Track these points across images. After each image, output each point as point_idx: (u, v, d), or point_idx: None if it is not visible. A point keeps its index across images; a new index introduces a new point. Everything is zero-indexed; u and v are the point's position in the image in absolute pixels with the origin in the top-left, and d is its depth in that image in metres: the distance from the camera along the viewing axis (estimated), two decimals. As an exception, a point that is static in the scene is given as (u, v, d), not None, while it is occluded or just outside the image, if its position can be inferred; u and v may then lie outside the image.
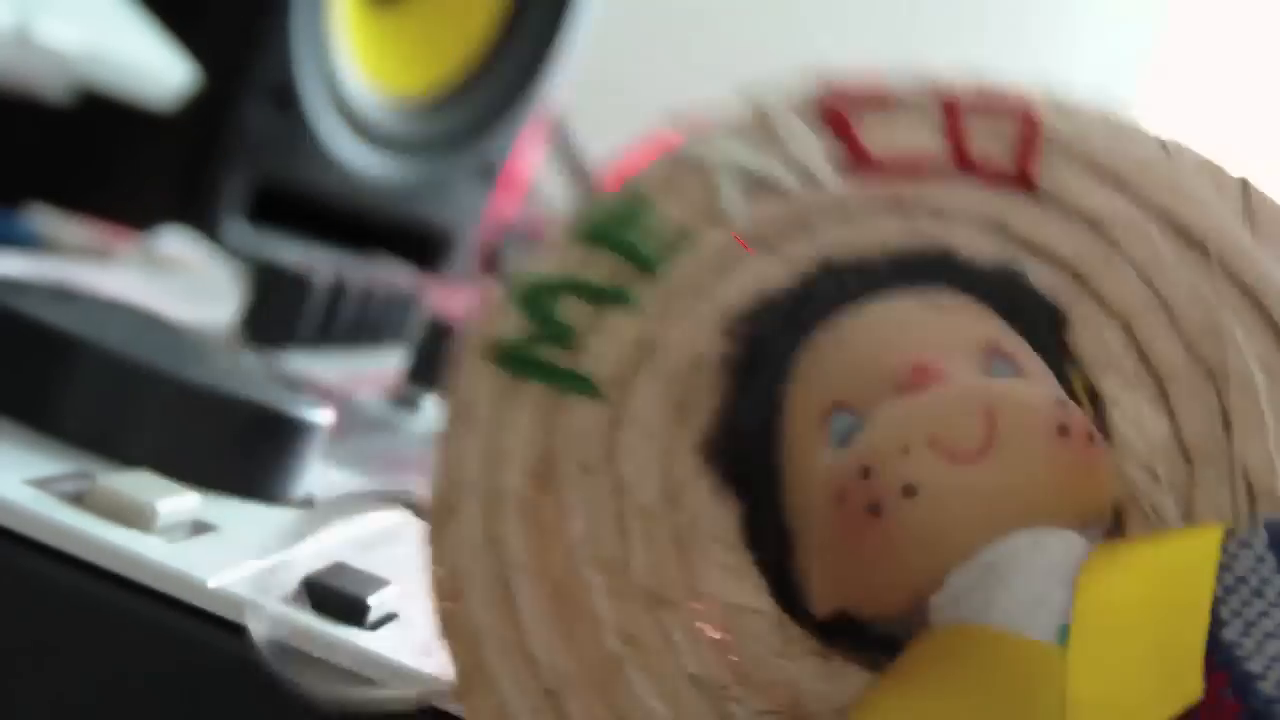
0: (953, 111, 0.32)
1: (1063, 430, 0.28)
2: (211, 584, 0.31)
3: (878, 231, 0.31)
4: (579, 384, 0.30)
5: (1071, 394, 0.30)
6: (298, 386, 0.44)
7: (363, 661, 0.31)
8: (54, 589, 0.31)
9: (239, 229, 0.77)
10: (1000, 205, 0.32)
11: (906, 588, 0.27)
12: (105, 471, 0.35)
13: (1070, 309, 0.31)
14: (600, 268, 0.31)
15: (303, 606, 0.32)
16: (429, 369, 0.60)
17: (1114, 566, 0.27)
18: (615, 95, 1.03)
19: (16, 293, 0.40)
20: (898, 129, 0.32)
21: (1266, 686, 0.25)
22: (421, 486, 0.30)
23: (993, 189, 0.32)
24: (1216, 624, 0.26)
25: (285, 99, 0.76)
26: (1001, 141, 0.32)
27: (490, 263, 0.97)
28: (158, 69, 0.69)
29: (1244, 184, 0.32)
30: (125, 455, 0.36)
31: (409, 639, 0.32)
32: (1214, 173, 0.32)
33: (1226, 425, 0.30)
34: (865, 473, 0.27)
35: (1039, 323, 0.31)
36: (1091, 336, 0.31)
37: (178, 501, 0.34)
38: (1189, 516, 0.30)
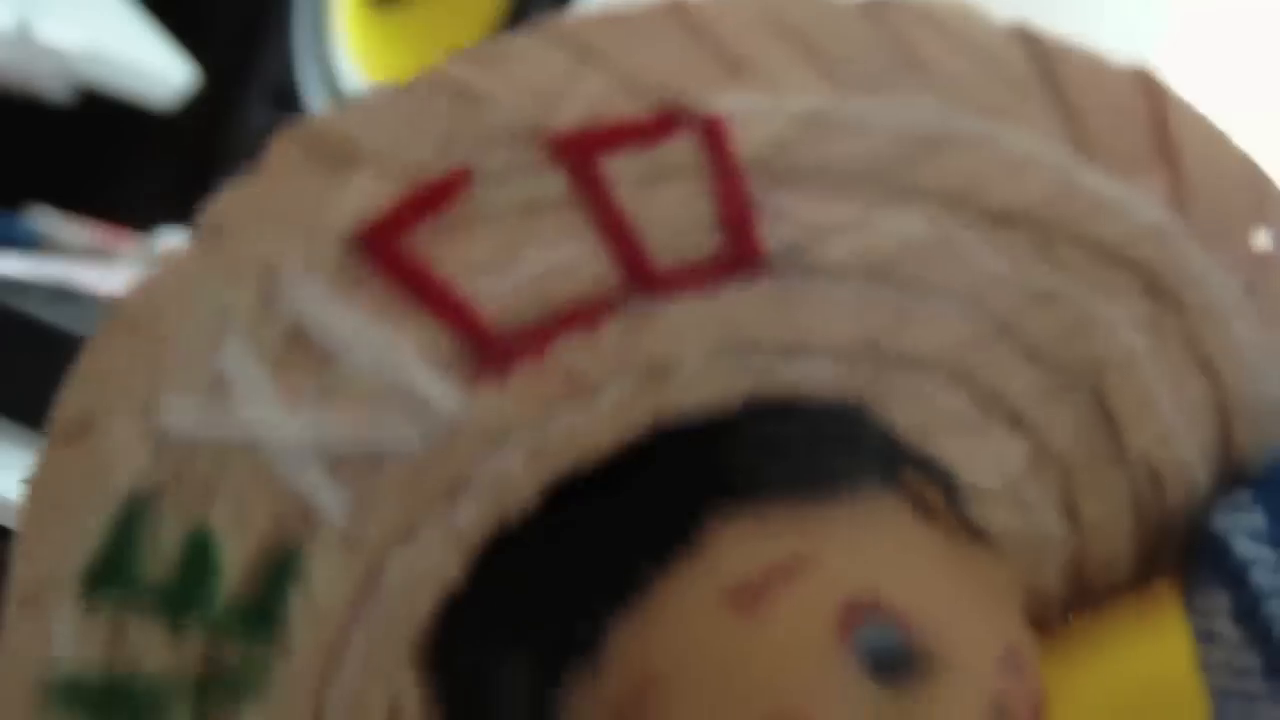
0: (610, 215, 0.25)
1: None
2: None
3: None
4: None
5: (922, 499, 0.27)
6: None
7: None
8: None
9: (239, 229, 0.77)
10: (728, 314, 0.25)
11: None
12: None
13: (867, 391, 0.26)
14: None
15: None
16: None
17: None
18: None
19: (16, 293, 0.40)
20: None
21: None
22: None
23: (702, 292, 0.25)
24: None
25: (286, 99, 0.76)
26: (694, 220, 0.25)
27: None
28: (158, 69, 0.69)
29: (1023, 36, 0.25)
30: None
31: None
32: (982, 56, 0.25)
33: (1108, 416, 0.27)
34: None
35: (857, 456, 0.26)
36: (911, 405, 0.26)
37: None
38: (1074, 521, 0.28)
